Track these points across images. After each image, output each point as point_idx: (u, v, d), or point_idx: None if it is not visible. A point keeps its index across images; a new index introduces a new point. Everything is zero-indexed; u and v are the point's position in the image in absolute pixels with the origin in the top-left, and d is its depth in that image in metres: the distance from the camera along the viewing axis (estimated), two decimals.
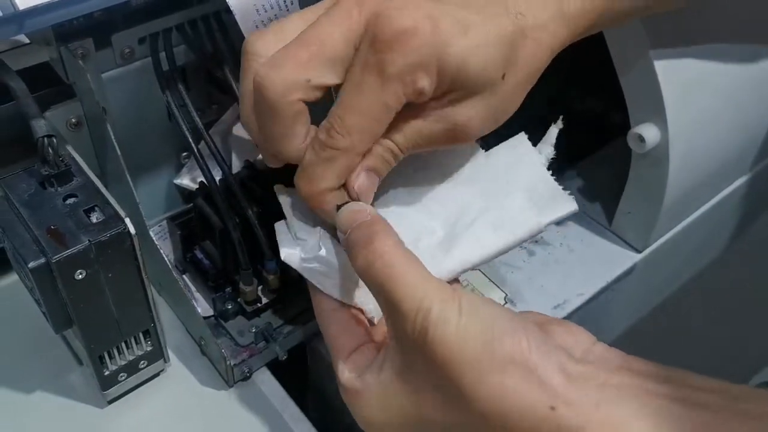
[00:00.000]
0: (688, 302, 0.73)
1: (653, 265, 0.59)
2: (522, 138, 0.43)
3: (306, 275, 0.39)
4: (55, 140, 0.37)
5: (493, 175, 0.42)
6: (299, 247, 0.40)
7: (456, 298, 0.33)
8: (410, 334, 0.33)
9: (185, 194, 0.53)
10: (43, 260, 0.35)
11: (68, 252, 0.35)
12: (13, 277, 0.50)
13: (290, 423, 0.44)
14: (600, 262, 0.56)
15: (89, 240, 0.36)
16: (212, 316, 0.48)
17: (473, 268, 0.40)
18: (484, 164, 0.43)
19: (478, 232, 0.40)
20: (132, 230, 0.37)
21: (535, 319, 0.35)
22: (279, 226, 0.41)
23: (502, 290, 0.53)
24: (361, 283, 0.38)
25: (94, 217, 0.37)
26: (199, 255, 0.48)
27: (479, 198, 0.41)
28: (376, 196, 0.41)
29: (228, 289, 0.48)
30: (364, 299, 0.39)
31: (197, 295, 0.49)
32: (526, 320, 0.33)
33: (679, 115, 0.49)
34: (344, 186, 0.38)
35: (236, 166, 0.49)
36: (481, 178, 0.42)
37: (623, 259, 0.56)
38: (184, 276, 0.50)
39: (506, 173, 0.42)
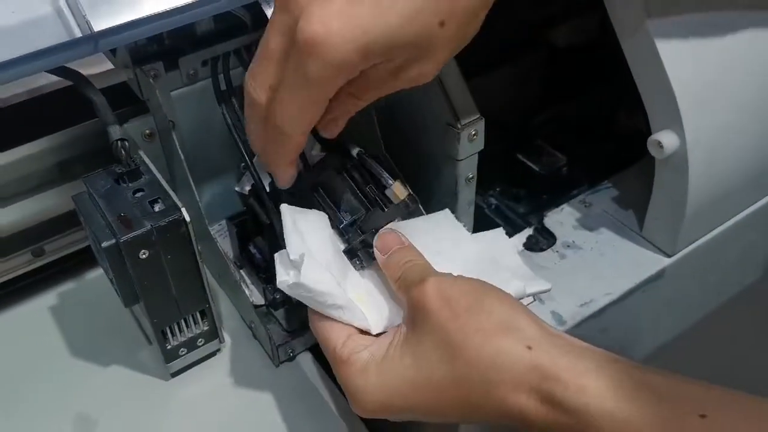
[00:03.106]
0: (727, 323, 0.73)
1: (684, 273, 0.60)
2: (500, 232, 0.52)
3: (298, 298, 0.43)
4: (127, 143, 0.45)
5: (480, 257, 0.48)
6: (291, 273, 0.42)
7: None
8: (416, 295, 0.40)
9: (244, 201, 0.60)
10: (113, 241, 0.42)
11: (133, 234, 0.42)
12: (98, 272, 0.58)
13: (328, 400, 0.49)
14: (629, 264, 0.58)
15: (151, 225, 0.43)
16: (264, 305, 0.54)
17: None
18: (470, 249, 0.48)
19: None
20: (187, 218, 0.44)
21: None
22: (277, 256, 0.44)
23: None
24: (353, 302, 0.42)
25: (157, 207, 0.44)
26: (253, 250, 0.55)
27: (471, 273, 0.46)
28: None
29: None
30: (357, 315, 0.42)
31: (252, 287, 0.55)
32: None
33: (697, 122, 0.52)
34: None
35: None
36: (470, 259, 0.47)
37: (652, 262, 0.59)
38: (241, 270, 0.56)
39: (491, 257, 0.48)
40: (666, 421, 0.32)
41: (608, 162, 0.68)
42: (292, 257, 0.42)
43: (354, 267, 0.47)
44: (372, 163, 0.48)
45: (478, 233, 0.52)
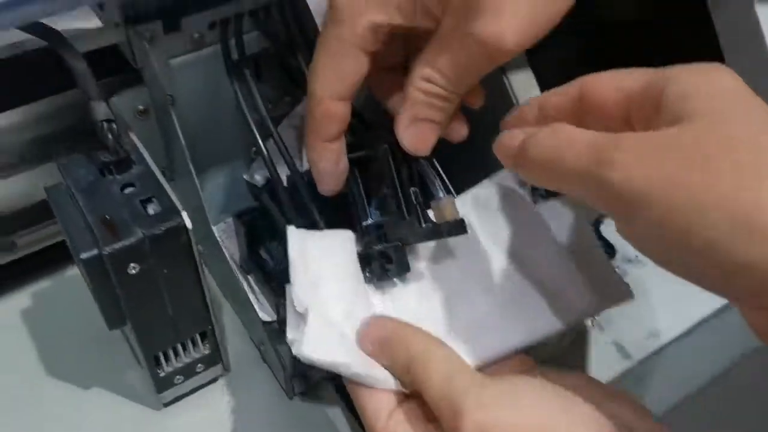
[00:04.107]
0: None
1: None
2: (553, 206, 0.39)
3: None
4: (114, 125, 0.35)
5: (549, 246, 0.37)
6: (301, 329, 0.33)
7: (491, 385, 0.30)
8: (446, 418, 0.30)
9: (254, 192, 0.51)
10: (95, 252, 0.33)
11: (121, 244, 0.33)
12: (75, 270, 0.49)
13: None
14: None
15: (143, 233, 0.34)
16: (275, 321, 0.45)
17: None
18: (540, 235, 0.38)
19: (530, 314, 0.36)
20: (188, 224, 0.35)
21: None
22: (290, 292, 0.35)
23: None
24: (373, 364, 0.33)
25: (151, 209, 0.35)
26: (265, 255, 0.45)
27: (534, 274, 0.37)
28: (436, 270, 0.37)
29: None
30: (379, 378, 0.33)
31: (261, 297, 0.46)
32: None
33: None
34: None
35: (306, 164, 0.47)
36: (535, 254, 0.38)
37: None
38: (248, 276, 0.47)
39: (563, 246, 0.37)
40: None
41: None
42: (297, 308, 0.33)
43: (365, 279, 0.37)
44: (426, 164, 0.38)
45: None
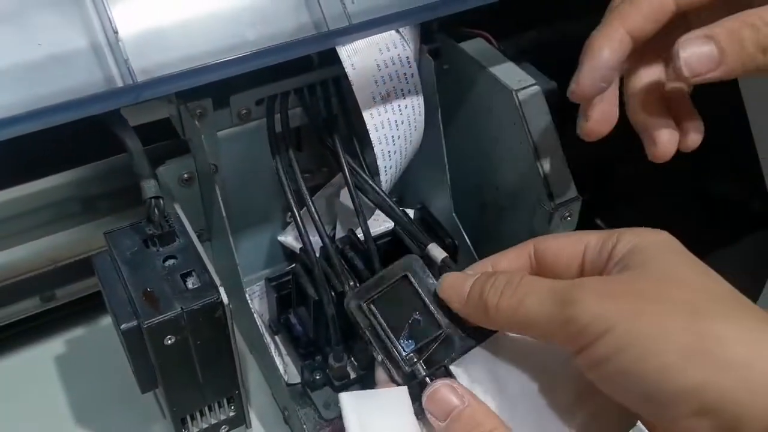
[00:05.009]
0: None
1: None
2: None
3: None
4: (162, 201, 0.37)
5: None
6: None
7: None
8: None
9: (287, 252, 0.53)
10: (135, 323, 0.35)
11: (160, 318, 0.35)
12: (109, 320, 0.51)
13: None
14: None
15: (182, 308, 0.35)
16: (299, 383, 0.46)
17: None
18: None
19: None
20: (225, 300, 0.36)
21: None
22: None
23: None
24: None
25: (190, 283, 0.37)
26: (293, 320, 0.47)
27: None
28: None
29: (318, 358, 0.46)
30: None
31: (287, 358, 0.48)
32: None
33: None
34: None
35: (340, 232, 0.48)
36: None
37: None
38: (276, 337, 0.49)
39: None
40: None
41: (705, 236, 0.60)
42: None
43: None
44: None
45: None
